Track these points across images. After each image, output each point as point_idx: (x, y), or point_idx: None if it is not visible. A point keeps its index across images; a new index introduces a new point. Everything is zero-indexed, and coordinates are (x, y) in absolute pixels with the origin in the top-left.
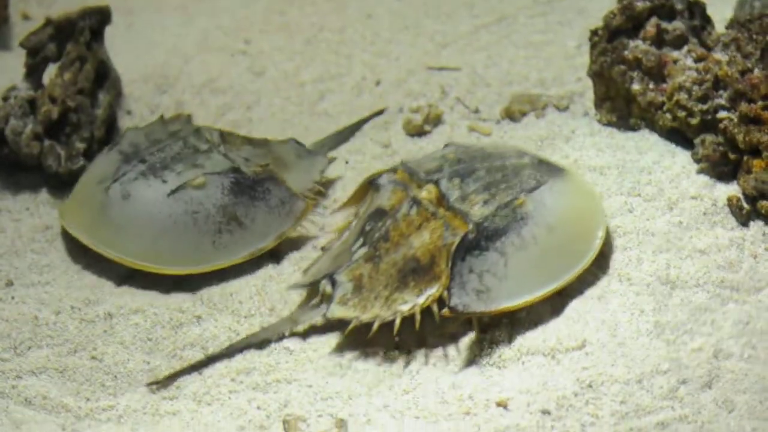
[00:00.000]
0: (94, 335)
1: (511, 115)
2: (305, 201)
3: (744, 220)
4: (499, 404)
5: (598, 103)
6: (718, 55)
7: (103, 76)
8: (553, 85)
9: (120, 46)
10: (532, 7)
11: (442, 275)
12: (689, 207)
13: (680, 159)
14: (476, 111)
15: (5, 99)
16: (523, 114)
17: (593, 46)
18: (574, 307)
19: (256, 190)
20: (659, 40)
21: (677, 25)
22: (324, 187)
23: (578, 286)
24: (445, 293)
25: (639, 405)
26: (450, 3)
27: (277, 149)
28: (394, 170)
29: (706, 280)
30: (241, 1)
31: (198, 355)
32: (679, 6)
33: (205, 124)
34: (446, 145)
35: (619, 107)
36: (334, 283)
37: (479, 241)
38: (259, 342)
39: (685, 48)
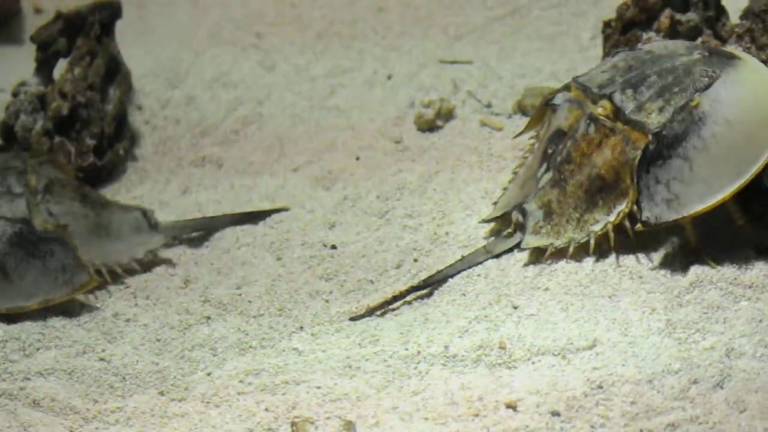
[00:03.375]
0: (103, 337)
1: (523, 109)
2: (91, 277)
3: (759, 215)
4: (508, 406)
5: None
6: (733, 46)
7: (114, 71)
8: (567, 77)
9: (131, 41)
10: None
11: (629, 190)
12: None
13: None
14: (488, 105)
15: (15, 95)
16: (536, 108)
17: (606, 38)
18: (585, 305)
19: (38, 248)
20: (673, 32)
21: (691, 17)
22: (148, 267)
23: (588, 283)
24: (635, 208)
25: (649, 405)
26: None
27: (112, 215)
28: (567, 87)
29: (719, 277)
30: None
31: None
32: None
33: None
34: (616, 53)
35: None
36: (524, 213)
37: (660, 150)
38: (454, 273)
39: (700, 40)
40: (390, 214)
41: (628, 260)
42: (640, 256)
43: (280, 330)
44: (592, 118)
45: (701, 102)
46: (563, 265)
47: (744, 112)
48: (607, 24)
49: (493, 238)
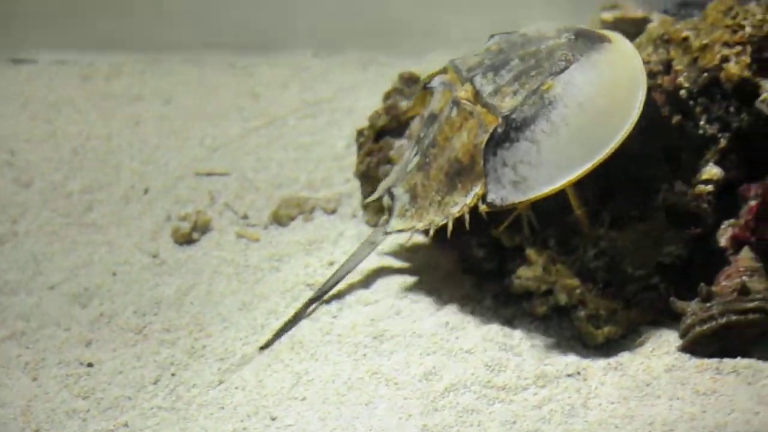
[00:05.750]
0: None
1: (279, 220)
2: None
3: (510, 318)
4: None
5: (366, 204)
6: None
7: None
8: (322, 186)
9: None
10: (302, 109)
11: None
12: (456, 308)
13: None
14: (245, 216)
15: None
16: (291, 218)
17: (360, 147)
18: (342, 413)
19: None
20: None
21: None
22: None
23: (345, 391)
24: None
25: None
26: (220, 106)
27: None
28: (444, 70)
29: (474, 381)
30: (5, 109)
31: None
32: None
33: None
34: (492, 36)
35: None
36: (392, 197)
37: (508, 133)
38: (347, 272)
39: None
40: (147, 329)
41: (385, 367)
42: (397, 363)
43: None
44: (455, 102)
45: (553, 85)
46: (320, 375)
47: (597, 96)
48: (360, 132)
49: (372, 230)
